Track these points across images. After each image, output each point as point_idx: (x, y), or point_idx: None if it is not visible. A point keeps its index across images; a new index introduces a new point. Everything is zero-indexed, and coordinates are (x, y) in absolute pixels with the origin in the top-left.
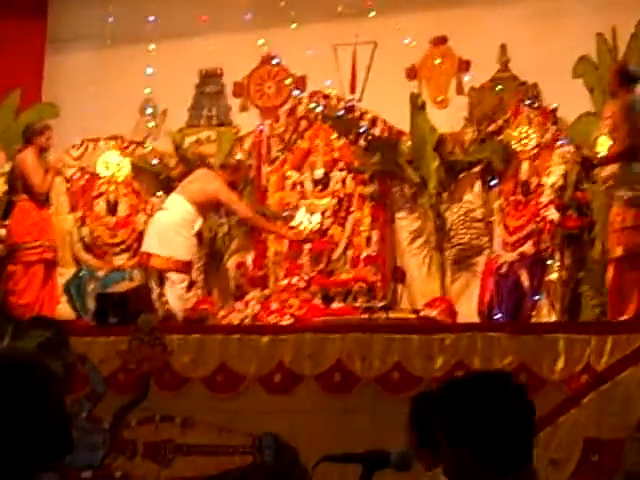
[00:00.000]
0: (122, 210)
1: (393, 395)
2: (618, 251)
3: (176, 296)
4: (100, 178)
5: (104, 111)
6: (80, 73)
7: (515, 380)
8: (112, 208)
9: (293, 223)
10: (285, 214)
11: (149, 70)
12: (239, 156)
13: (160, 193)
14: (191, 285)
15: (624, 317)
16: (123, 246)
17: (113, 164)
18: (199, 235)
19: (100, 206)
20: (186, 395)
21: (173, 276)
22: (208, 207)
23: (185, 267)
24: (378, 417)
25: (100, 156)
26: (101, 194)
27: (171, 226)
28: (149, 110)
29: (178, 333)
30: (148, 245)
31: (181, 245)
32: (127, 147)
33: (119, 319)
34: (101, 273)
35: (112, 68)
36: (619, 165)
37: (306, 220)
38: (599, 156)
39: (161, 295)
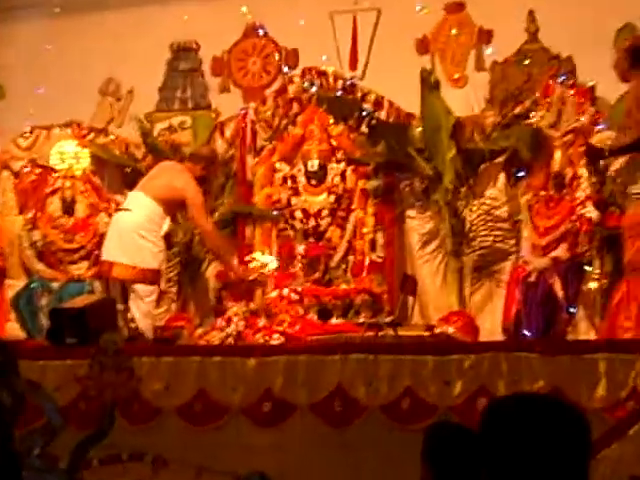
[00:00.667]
0: (80, 210)
1: (403, 426)
2: None
3: (144, 311)
4: (54, 172)
5: (58, 93)
6: (28, 48)
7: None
8: (68, 208)
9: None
10: (275, 214)
11: (111, 44)
12: (219, 144)
13: (125, 190)
14: (160, 298)
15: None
16: (82, 252)
17: (69, 155)
18: (167, 238)
19: (54, 205)
20: (158, 428)
21: (139, 288)
22: (175, 206)
23: (153, 277)
24: (385, 453)
25: (54, 146)
26: (55, 191)
27: (135, 229)
28: (111, 91)
29: (148, 355)
30: (109, 253)
31: (147, 251)
32: (86, 135)
33: (77, 339)
34: (56, 285)
35: (67, 42)
36: (631, 157)
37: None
38: (609, 146)
39: (126, 311)
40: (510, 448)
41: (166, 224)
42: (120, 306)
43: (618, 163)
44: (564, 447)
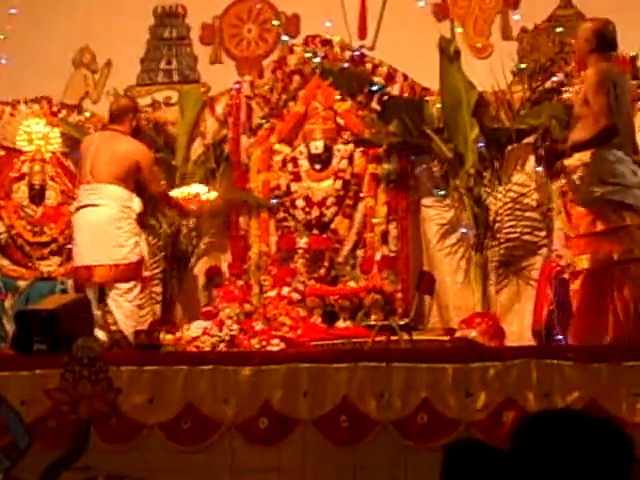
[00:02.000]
0: (51, 198)
1: (419, 444)
2: (584, 262)
3: (126, 312)
4: (21, 154)
5: (25, 64)
6: None
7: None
8: (37, 195)
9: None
10: (273, 202)
11: (86, 8)
12: (209, 123)
13: None
14: (144, 288)
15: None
16: (53, 246)
17: (38, 135)
18: (141, 218)
19: (21, 192)
20: (140, 448)
21: (121, 285)
22: (133, 175)
23: (136, 271)
24: (399, 475)
25: (20, 125)
26: (22, 176)
27: (109, 223)
28: (87, 62)
29: (129, 364)
30: (86, 257)
31: (126, 244)
32: (57, 112)
33: (47, 345)
34: (23, 283)
35: (36, 5)
36: (592, 152)
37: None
38: (569, 141)
39: (105, 313)
40: (545, 471)
41: (136, 204)
42: (97, 312)
43: (576, 157)
44: (605, 470)
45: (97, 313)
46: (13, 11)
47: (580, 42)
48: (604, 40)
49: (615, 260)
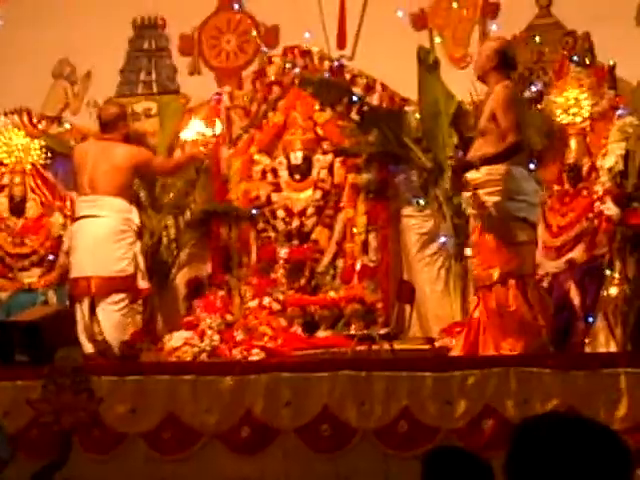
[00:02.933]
0: (31, 210)
1: (400, 453)
2: (491, 276)
3: (114, 323)
4: (1, 166)
5: (4, 75)
6: None
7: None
8: (18, 207)
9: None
10: (253, 212)
11: (65, 20)
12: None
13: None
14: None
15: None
16: (34, 258)
17: (18, 147)
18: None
19: (1, 204)
20: (122, 458)
21: (113, 297)
22: (131, 183)
23: (130, 283)
24: None
25: (0, 137)
26: (2, 188)
27: (109, 236)
28: (66, 74)
29: (110, 374)
30: (85, 268)
31: (124, 257)
32: (37, 124)
33: (29, 356)
34: (3, 295)
35: (15, 17)
36: (496, 168)
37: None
38: (476, 156)
39: (93, 322)
40: (544, 474)
41: (135, 214)
42: (84, 321)
43: (479, 173)
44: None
45: (86, 322)
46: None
47: (482, 59)
48: (505, 59)
49: (517, 274)
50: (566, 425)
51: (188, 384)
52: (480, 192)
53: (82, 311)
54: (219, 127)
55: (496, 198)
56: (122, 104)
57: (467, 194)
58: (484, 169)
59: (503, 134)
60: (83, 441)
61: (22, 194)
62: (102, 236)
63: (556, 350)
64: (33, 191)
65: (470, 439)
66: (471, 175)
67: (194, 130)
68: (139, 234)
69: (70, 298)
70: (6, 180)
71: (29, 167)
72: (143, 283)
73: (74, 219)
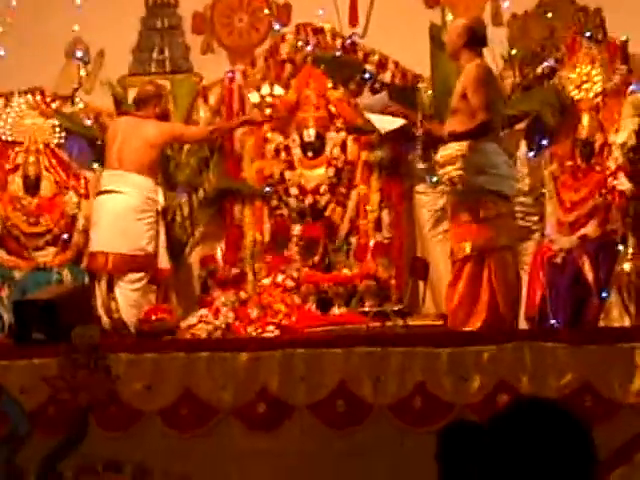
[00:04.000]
0: (46, 189)
1: (415, 428)
2: (465, 249)
3: (131, 302)
4: (15, 146)
5: (18, 55)
6: None
7: (573, 412)
8: (32, 186)
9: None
10: (267, 190)
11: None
12: (202, 112)
13: (96, 165)
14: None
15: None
16: (48, 237)
17: (31, 127)
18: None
19: (16, 184)
20: (138, 435)
21: (131, 275)
22: (156, 166)
23: (149, 262)
24: (395, 458)
25: (14, 116)
26: (17, 167)
27: (131, 213)
28: (79, 53)
29: (127, 352)
30: (103, 243)
31: (145, 235)
32: (50, 103)
33: (46, 334)
34: (19, 274)
35: None
36: (468, 145)
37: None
38: (446, 131)
39: (110, 300)
40: (509, 457)
41: (161, 196)
42: (102, 297)
43: (451, 149)
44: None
45: (104, 298)
46: (14, 3)
47: (452, 37)
48: (475, 36)
49: (492, 247)
50: (524, 413)
51: (204, 361)
52: (450, 168)
53: (100, 287)
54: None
55: (468, 173)
56: (160, 84)
57: (441, 170)
58: (454, 145)
59: (473, 112)
60: (100, 418)
61: (36, 173)
62: (122, 212)
63: (569, 326)
64: (47, 170)
65: (485, 414)
66: (441, 152)
67: (261, 92)
68: (163, 214)
69: (89, 273)
70: (20, 159)
71: (43, 146)
72: (164, 263)
73: (97, 193)
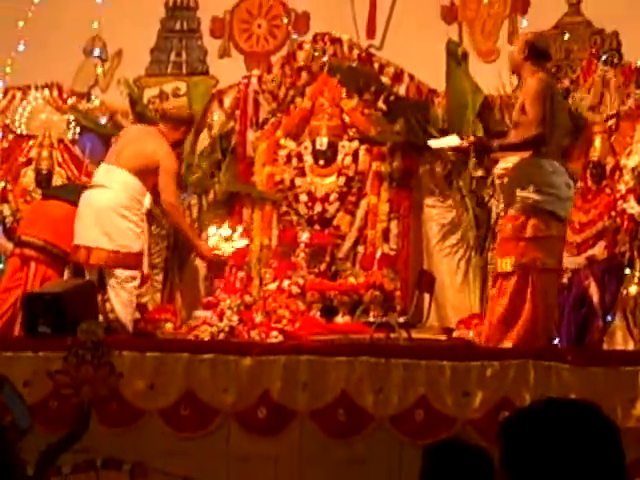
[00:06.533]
0: (57, 183)
1: (415, 441)
2: (506, 265)
3: (124, 301)
4: (29, 139)
5: (37, 51)
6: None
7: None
8: (44, 180)
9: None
10: (277, 196)
11: None
12: (217, 115)
13: None
14: (143, 283)
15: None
16: None
17: (47, 121)
18: (148, 215)
19: (28, 177)
20: (139, 433)
21: (120, 274)
22: (151, 175)
23: (135, 261)
24: (394, 470)
25: (30, 110)
26: (30, 161)
27: (114, 208)
28: (97, 51)
29: (131, 350)
30: (85, 236)
31: (129, 232)
32: (66, 99)
33: (52, 328)
34: None
35: None
36: (528, 160)
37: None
38: (500, 142)
39: (104, 300)
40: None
41: (147, 200)
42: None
43: (506, 162)
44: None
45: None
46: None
47: (514, 52)
48: (535, 50)
49: (536, 267)
50: (553, 410)
51: (207, 363)
52: (505, 180)
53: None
54: (244, 242)
55: (523, 189)
56: (194, 115)
57: (499, 180)
58: (513, 159)
59: (529, 126)
60: (101, 414)
61: (49, 168)
62: (105, 207)
63: (574, 347)
64: (60, 165)
65: (486, 430)
66: (501, 164)
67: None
68: (148, 220)
69: (72, 266)
70: (34, 153)
71: (56, 141)
72: (144, 268)
73: (88, 186)
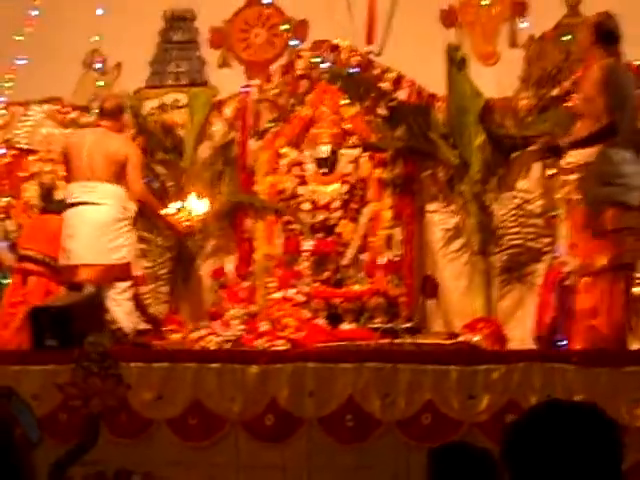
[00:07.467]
0: (61, 197)
1: (422, 445)
2: (602, 260)
3: (126, 309)
4: (31, 154)
5: (36, 65)
6: (4, 14)
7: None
8: (47, 195)
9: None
10: (279, 205)
11: (98, 11)
12: (217, 125)
13: None
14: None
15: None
16: None
17: (48, 136)
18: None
19: (31, 192)
20: (148, 443)
21: (119, 284)
22: (124, 171)
23: (130, 271)
24: (402, 475)
25: (31, 124)
26: (32, 176)
27: (110, 223)
28: (97, 64)
29: (138, 361)
30: (81, 256)
31: (125, 242)
32: (67, 113)
33: (59, 341)
34: None
35: (48, 7)
36: (597, 152)
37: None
38: (566, 139)
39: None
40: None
41: (132, 205)
42: None
43: (577, 156)
44: (596, 458)
45: None
46: (35, 13)
47: (581, 37)
48: (602, 32)
49: (615, 265)
50: (556, 413)
51: (214, 372)
52: (577, 176)
53: None
54: (206, 205)
55: (594, 183)
56: (122, 97)
57: (569, 177)
58: (581, 152)
59: (598, 116)
60: (110, 425)
61: (51, 182)
62: (102, 224)
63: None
64: (63, 179)
65: (492, 433)
66: (569, 159)
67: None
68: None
69: (68, 286)
70: (36, 168)
71: (58, 156)
72: (135, 270)
73: (70, 204)
